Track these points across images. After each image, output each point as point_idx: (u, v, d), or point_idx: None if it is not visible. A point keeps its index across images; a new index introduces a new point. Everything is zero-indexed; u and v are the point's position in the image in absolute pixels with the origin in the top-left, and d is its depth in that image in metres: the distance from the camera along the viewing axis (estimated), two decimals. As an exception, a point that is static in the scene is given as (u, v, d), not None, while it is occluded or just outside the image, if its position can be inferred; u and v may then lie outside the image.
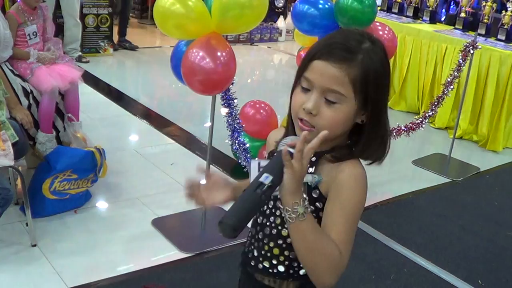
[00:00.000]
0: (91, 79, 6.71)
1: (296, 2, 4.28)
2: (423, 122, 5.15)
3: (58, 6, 7.37)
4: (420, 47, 6.74)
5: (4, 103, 3.43)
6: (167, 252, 3.63)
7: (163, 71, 7.67)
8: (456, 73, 5.23)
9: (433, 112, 5.28)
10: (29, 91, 4.17)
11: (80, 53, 7.62)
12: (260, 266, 1.66)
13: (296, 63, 8.05)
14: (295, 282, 1.64)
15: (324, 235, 1.44)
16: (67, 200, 3.86)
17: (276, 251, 1.62)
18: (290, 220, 1.39)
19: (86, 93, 5.74)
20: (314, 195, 1.53)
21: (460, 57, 5.22)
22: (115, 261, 3.50)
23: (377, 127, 1.54)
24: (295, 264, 1.61)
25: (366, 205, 4.53)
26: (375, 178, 5.04)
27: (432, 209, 4.64)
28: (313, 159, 1.54)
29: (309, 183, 1.51)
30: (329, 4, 4.18)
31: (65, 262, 3.40)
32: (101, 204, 4.14)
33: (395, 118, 6.40)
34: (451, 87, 5.25)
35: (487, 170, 5.60)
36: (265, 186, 1.35)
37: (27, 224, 3.56)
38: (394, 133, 4.90)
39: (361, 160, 1.57)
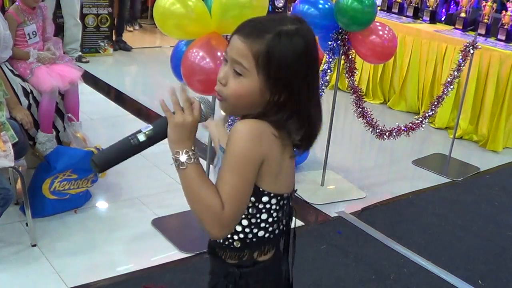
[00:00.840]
0: (91, 79, 6.70)
1: (296, 2, 4.28)
2: (423, 122, 5.15)
3: (58, 6, 7.36)
4: (420, 47, 6.74)
5: (4, 104, 3.43)
6: (167, 252, 3.63)
7: (163, 71, 7.66)
8: (456, 73, 5.22)
9: (433, 112, 5.27)
10: (29, 91, 4.17)
11: (80, 53, 7.61)
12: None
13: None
14: (231, 253, 1.69)
15: (207, 186, 1.51)
16: (67, 200, 3.86)
17: None
18: (176, 168, 1.53)
19: (86, 93, 5.75)
20: None
21: (460, 57, 5.22)
22: (115, 261, 3.50)
23: (284, 107, 1.56)
24: (235, 237, 1.66)
25: (366, 205, 4.54)
26: (375, 178, 5.06)
27: (432, 209, 4.64)
28: None
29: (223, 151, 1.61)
30: (329, 4, 4.18)
31: (65, 262, 3.40)
32: (101, 204, 4.14)
33: (395, 118, 6.41)
34: (451, 87, 5.25)
35: (487, 170, 5.60)
36: (141, 134, 1.52)
37: (27, 224, 3.56)
38: (394, 133, 4.90)
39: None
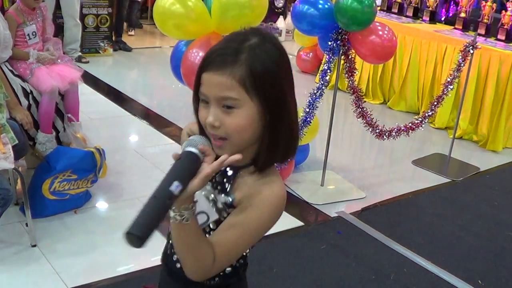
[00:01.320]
0: (90, 80, 6.71)
1: (296, 2, 4.29)
2: (423, 122, 5.15)
3: (58, 7, 7.37)
4: (420, 47, 6.74)
5: (4, 106, 3.43)
6: (167, 252, 3.63)
7: (163, 72, 7.67)
8: (456, 73, 5.22)
9: (433, 112, 5.27)
10: (28, 91, 4.17)
11: (80, 54, 7.62)
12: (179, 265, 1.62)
13: (296, 64, 8.09)
14: (211, 281, 1.62)
15: (202, 242, 1.43)
16: (67, 200, 3.86)
17: None
18: (174, 220, 1.39)
19: (86, 93, 5.75)
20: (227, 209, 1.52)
21: (460, 57, 5.22)
22: (115, 261, 3.50)
23: (281, 124, 1.49)
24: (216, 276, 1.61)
25: (366, 205, 4.55)
26: (375, 178, 5.06)
27: (432, 209, 4.64)
28: (230, 173, 1.53)
29: (225, 203, 1.50)
30: (328, 4, 4.19)
31: (65, 263, 3.40)
32: (101, 205, 4.14)
33: (395, 118, 6.42)
34: (451, 87, 5.25)
35: (487, 170, 5.60)
36: (175, 195, 1.33)
37: (27, 225, 3.56)
38: (394, 133, 4.90)
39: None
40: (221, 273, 1.60)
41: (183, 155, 1.40)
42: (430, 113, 5.22)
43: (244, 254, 1.63)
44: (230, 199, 1.50)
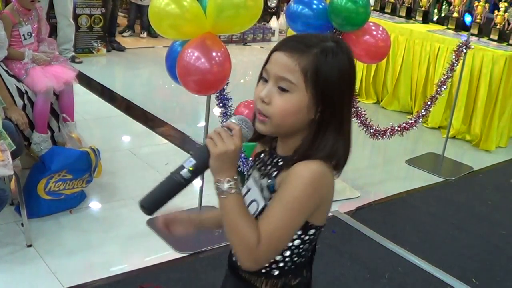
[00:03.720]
0: (84, 80, 6.68)
1: (290, 2, 4.29)
2: (416, 121, 5.17)
3: (51, 7, 7.35)
4: (413, 47, 6.76)
5: (1, 111, 3.42)
6: (162, 252, 3.64)
7: (157, 72, 7.69)
8: (449, 72, 5.25)
9: (427, 111, 5.29)
10: (23, 91, 4.17)
11: (73, 54, 7.59)
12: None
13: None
14: (267, 280, 1.65)
15: (246, 219, 1.48)
16: (62, 200, 3.87)
17: None
18: (217, 195, 1.49)
19: (80, 93, 5.74)
20: (270, 194, 1.57)
21: (453, 56, 5.25)
22: (111, 261, 3.51)
23: (327, 126, 1.53)
24: (273, 266, 1.63)
25: (360, 205, 4.55)
26: (369, 177, 5.08)
27: (426, 208, 4.66)
28: (280, 163, 1.59)
29: (268, 187, 1.56)
30: (323, 4, 4.19)
31: (61, 262, 3.41)
32: (96, 204, 4.14)
33: (388, 117, 6.43)
34: (444, 86, 5.27)
35: (480, 169, 5.63)
36: (185, 170, 1.47)
37: (22, 225, 3.56)
38: (388, 133, 4.91)
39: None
40: (280, 264, 1.62)
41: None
42: (424, 113, 5.24)
43: (301, 249, 1.62)
44: (272, 183, 1.56)
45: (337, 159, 1.55)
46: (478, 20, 6.67)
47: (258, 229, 1.48)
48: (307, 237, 1.60)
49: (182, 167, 1.48)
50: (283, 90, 1.51)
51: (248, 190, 1.62)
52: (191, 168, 1.48)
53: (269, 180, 1.57)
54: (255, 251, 1.47)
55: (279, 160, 1.60)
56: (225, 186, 1.47)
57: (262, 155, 1.70)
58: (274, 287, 1.65)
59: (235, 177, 1.49)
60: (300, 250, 1.62)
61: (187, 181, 1.49)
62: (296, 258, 1.63)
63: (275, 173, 1.58)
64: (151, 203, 1.49)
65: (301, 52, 1.49)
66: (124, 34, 9.37)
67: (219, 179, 1.47)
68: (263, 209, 1.55)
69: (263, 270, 1.64)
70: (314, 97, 1.50)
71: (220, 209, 1.50)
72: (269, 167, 1.62)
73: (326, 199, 1.56)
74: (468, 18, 6.26)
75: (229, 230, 1.49)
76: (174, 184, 1.48)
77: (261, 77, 1.59)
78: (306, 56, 1.49)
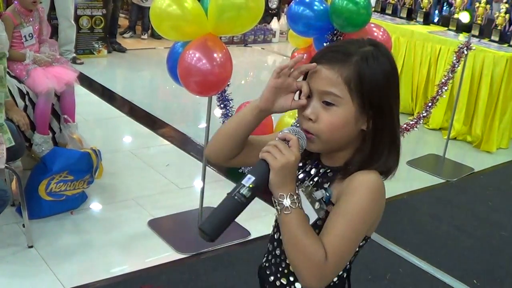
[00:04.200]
0: (85, 81, 6.69)
1: (291, 3, 4.29)
2: (417, 123, 5.17)
3: (52, 8, 7.36)
4: (414, 48, 6.76)
5: (3, 105, 3.42)
6: (163, 253, 3.64)
7: (158, 73, 7.70)
8: (450, 74, 5.25)
9: (428, 113, 5.29)
10: (25, 92, 4.17)
11: (74, 55, 7.60)
12: (278, 283, 1.65)
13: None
14: None
15: (310, 235, 1.40)
16: (63, 201, 3.87)
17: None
18: (277, 212, 1.41)
19: (81, 94, 5.74)
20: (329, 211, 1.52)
21: (454, 58, 5.24)
22: (112, 262, 3.51)
23: (382, 134, 1.50)
24: None
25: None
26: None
27: (427, 210, 4.66)
28: (330, 174, 1.55)
29: (322, 199, 1.51)
30: (324, 5, 4.19)
31: (62, 263, 3.41)
32: (97, 205, 4.14)
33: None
34: (445, 88, 5.27)
35: (481, 170, 5.63)
36: (245, 188, 1.38)
37: (23, 226, 3.56)
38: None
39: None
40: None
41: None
42: (425, 114, 5.24)
43: (348, 262, 1.57)
44: (328, 194, 1.51)
45: (390, 168, 1.54)
46: (479, 22, 6.67)
47: (323, 244, 1.40)
48: (357, 249, 1.55)
49: (241, 185, 1.39)
50: (328, 104, 1.46)
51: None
52: (251, 186, 1.38)
53: (325, 192, 1.51)
54: (323, 267, 1.39)
55: (328, 171, 1.56)
56: (288, 201, 1.39)
57: (305, 166, 1.64)
58: None
59: (297, 192, 1.42)
60: (347, 264, 1.59)
61: (248, 200, 1.39)
62: (341, 273, 1.61)
63: (327, 184, 1.54)
64: (213, 228, 1.38)
65: (342, 62, 1.45)
66: (125, 35, 9.38)
67: (282, 194, 1.39)
68: (315, 222, 1.49)
69: (300, 287, 1.60)
70: (361, 107, 1.46)
71: (282, 226, 1.43)
72: (316, 178, 1.57)
73: (382, 209, 1.52)
74: (464, 16, 6.23)
75: (292, 248, 1.41)
76: (237, 205, 1.38)
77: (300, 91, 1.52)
78: (347, 66, 1.45)
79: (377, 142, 1.50)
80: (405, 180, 5.30)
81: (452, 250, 4.09)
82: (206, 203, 3.83)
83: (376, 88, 1.47)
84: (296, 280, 1.59)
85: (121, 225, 3.92)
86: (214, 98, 3.83)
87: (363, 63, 1.45)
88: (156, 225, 3.92)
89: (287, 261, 1.59)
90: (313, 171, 1.59)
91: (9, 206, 3.66)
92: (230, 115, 4.08)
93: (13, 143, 3.46)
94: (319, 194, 1.51)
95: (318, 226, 1.47)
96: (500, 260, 4.05)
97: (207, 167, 3.87)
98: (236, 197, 1.38)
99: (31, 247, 3.51)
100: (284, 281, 1.63)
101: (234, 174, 4.55)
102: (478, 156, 6.03)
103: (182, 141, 5.51)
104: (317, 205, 1.50)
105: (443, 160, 5.59)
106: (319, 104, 1.47)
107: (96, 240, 3.71)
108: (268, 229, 1.81)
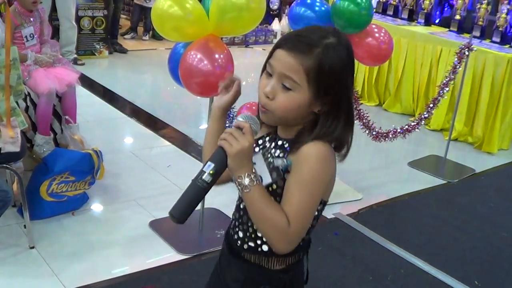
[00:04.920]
0: (86, 82, 6.67)
1: (292, 4, 4.29)
2: (419, 124, 5.17)
3: (53, 9, 7.36)
4: (415, 49, 6.76)
5: (15, 88, 3.39)
6: (164, 254, 3.64)
7: (159, 74, 7.69)
8: (451, 75, 5.24)
9: (429, 114, 5.29)
10: (26, 93, 4.17)
11: (75, 56, 7.60)
12: (246, 246, 1.76)
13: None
14: (278, 258, 1.73)
15: (272, 206, 1.56)
16: (65, 202, 3.87)
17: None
18: (239, 192, 1.58)
19: (82, 95, 5.73)
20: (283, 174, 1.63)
21: (456, 59, 5.24)
22: (113, 263, 3.51)
23: (335, 113, 1.62)
24: None
25: (362, 207, 4.54)
26: (371, 180, 5.08)
27: (428, 211, 4.65)
28: (286, 145, 1.67)
29: (280, 167, 1.61)
30: (325, 6, 4.19)
31: (63, 264, 3.41)
32: (98, 206, 4.14)
33: (391, 120, 6.44)
34: (447, 89, 5.27)
35: (482, 171, 5.62)
36: (206, 174, 1.53)
37: (25, 226, 3.56)
38: (390, 135, 4.91)
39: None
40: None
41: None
42: (426, 115, 5.24)
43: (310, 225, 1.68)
44: (288, 163, 1.61)
45: (341, 143, 1.66)
46: (480, 23, 6.67)
47: (284, 211, 1.56)
48: (316, 212, 1.67)
49: (202, 172, 1.54)
50: (286, 88, 1.59)
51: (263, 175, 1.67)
52: (212, 172, 1.54)
53: (284, 160, 1.62)
54: (288, 234, 1.55)
55: (284, 142, 1.67)
56: (247, 180, 1.54)
57: (265, 139, 1.76)
58: (287, 264, 1.75)
59: (253, 171, 1.55)
60: (310, 227, 1.69)
61: (209, 185, 1.54)
62: (304, 235, 1.70)
63: (282, 154, 1.65)
64: (180, 212, 1.54)
65: (304, 53, 1.56)
66: (127, 36, 9.39)
67: (240, 175, 1.54)
68: (275, 191, 1.63)
69: (266, 249, 1.72)
70: (316, 94, 1.58)
71: (246, 204, 1.59)
72: (273, 150, 1.69)
73: (333, 175, 1.66)
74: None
75: (258, 220, 1.58)
76: (199, 190, 1.54)
77: (264, 69, 1.66)
78: (309, 57, 1.56)
79: (330, 120, 1.62)
80: (407, 181, 5.30)
81: (453, 251, 4.09)
82: (207, 204, 3.83)
83: (333, 78, 1.59)
84: (263, 243, 1.72)
85: (122, 226, 3.92)
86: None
87: (324, 56, 1.56)
88: (157, 226, 3.92)
89: (254, 227, 1.72)
90: (271, 143, 1.72)
91: (11, 207, 3.67)
92: (231, 116, 4.07)
93: (26, 125, 3.46)
94: (279, 162, 1.63)
95: (278, 194, 1.62)
96: (501, 261, 4.05)
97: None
98: (198, 183, 1.53)
99: (33, 248, 3.51)
100: (252, 243, 1.75)
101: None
102: (480, 157, 6.02)
103: (184, 142, 5.51)
104: (274, 174, 1.62)
105: (444, 161, 5.58)
106: (278, 85, 1.60)
107: (98, 241, 3.71)
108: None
